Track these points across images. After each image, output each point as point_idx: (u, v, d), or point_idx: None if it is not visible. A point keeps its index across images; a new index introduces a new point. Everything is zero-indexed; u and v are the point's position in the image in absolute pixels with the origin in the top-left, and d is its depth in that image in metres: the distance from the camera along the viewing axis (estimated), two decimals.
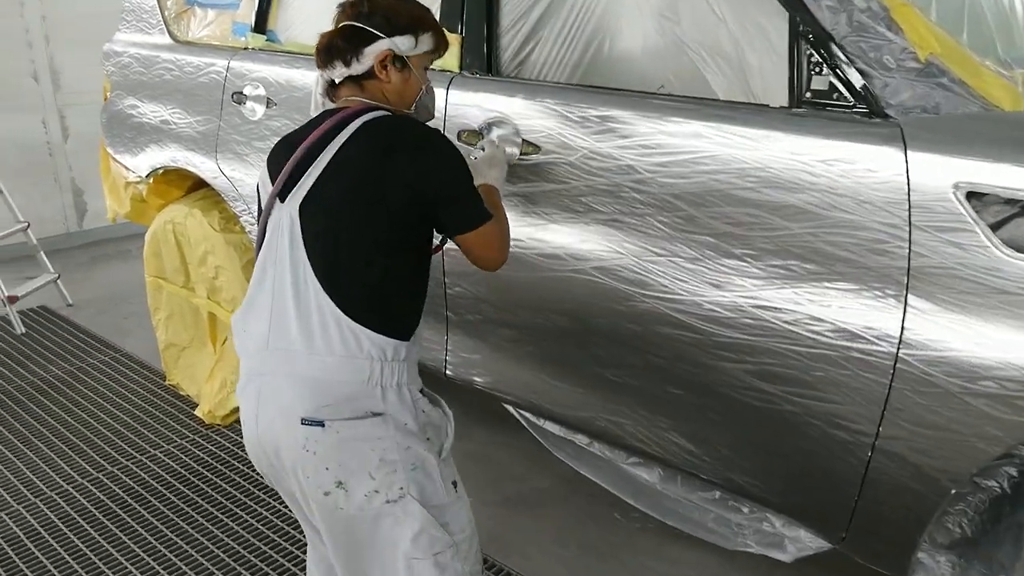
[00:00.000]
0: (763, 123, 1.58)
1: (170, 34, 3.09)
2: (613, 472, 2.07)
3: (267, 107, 2.58)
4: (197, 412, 3.10)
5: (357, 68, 1.55)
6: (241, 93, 2.67)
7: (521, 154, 1.92)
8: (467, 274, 2.10)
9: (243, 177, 2.70)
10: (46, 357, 3.64)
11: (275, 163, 1.56)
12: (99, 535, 2.43)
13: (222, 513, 2.52)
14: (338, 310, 1.41)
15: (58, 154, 5.09)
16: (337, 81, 1.58)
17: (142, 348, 3.67)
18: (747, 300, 1.61)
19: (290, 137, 1.58)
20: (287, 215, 1.47)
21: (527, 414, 2.23)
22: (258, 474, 2.69)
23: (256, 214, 1.63)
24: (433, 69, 2.23)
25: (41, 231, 4.33)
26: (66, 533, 2.45)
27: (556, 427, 2.18)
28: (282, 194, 1.50)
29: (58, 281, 4.22)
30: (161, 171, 3.09)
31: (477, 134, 2.01)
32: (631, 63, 1.94)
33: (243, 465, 2.76)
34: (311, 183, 1.47)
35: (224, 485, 2.66)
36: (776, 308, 1.57)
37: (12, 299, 3.89)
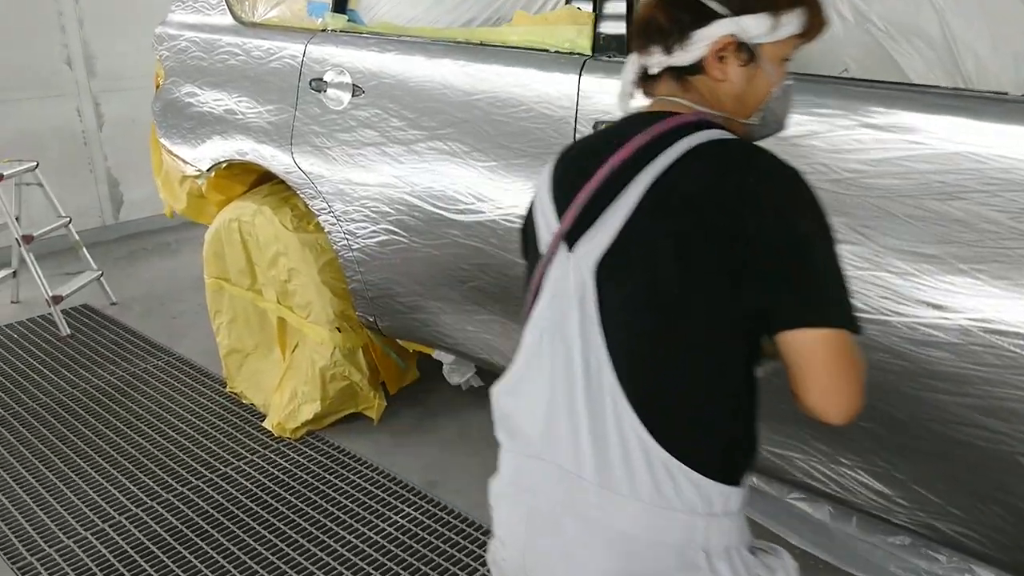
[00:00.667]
0: (1004, 115, 1.34)
1: (233, 15, 2.84)
2: (771, 505, 1.84)
3: (353, 95, 2.34)
4: (266, 424, 2.88)
5: (681, 58, 1.08)
6: (321, 80, 2.42)
7: None
8: None
9: (324, 173, 2.46)
10: (96, 362, 3.42)
11: (561, 183, 1.13)
12: (175, 564, 2.22)
13: (305, 539, 2.30)
14: (646, 433, 1.00)
15: (93, 143, 4.85)
16: (653, 72, 1.13)
17: (197, 351, 3.46)
18: (977, 323, 1.37)
19: (584, 147, 1.17)
20: (576, 275, 1.05)
21: None
22: (341, 494, 2.47)
23: (523, 247, 1.22)
24: (565, 52, 1.88)
25: (76, 224, 4.09)
26: (140, 563, 2.23)
27: None
28: (571, 234, 1.07)
29: (101, 278, 4.01)
30: (224, 164, 2.85)
31: None
32: None
33: (322, 484, 2.53)
34: (616, 229, 1.03)
35: (304, 507, 2.44)
36: (1018, 334, 1.33)
37: (57, 299, 3.67)
